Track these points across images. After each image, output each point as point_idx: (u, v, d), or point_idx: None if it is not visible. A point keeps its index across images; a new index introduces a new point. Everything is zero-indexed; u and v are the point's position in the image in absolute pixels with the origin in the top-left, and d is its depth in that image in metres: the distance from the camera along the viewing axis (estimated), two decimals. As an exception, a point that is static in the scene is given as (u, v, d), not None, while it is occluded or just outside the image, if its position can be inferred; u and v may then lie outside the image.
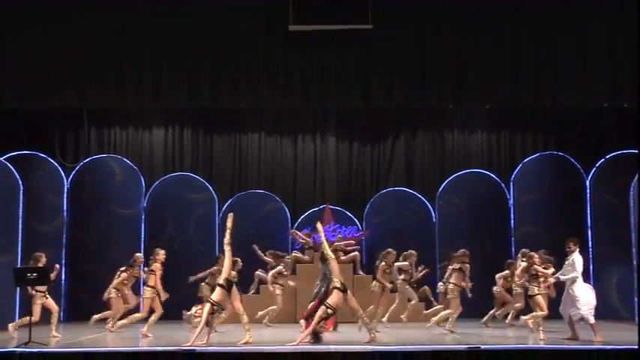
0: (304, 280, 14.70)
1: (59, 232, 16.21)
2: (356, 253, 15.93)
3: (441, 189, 17.30)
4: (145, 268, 13.13)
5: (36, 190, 15.48)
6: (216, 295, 10.99)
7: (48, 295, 12.26)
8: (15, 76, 13.77)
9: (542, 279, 11.87)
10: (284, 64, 13.96)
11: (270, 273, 14.47)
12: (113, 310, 13.38)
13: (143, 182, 17.14)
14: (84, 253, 16.41)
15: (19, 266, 12.59)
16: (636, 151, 15.43)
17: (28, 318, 11.71)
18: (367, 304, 13.14)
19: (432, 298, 15.14)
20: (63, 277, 16.00)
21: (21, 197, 14.62)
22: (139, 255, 13.75)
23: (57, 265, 12.81)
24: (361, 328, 11.84)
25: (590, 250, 16.04)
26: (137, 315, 12.95)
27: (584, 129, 17.61)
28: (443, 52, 14.02)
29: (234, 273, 12.19)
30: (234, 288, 11.33)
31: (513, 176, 17.17)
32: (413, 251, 14.03)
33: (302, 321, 12.31)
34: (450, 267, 13.39)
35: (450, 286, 13.11)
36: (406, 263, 13.83)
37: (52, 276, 12.31)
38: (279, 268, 14.51)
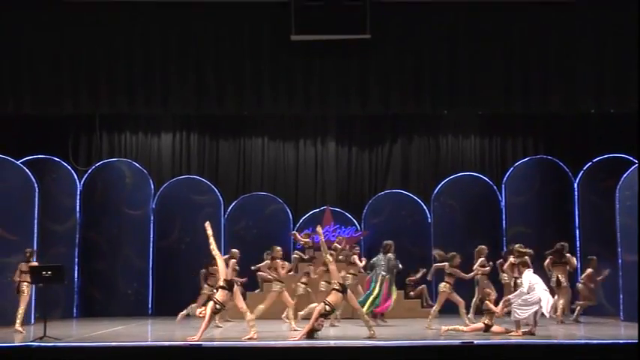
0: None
1: (72, 232, 16.53)
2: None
3: (436, 191, 17.59)
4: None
5: (50, 192, 15.70)
6: (220, 295, 11.16)
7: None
8: (32, 85, 13.94)
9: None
10: (286, 73, 14.11)
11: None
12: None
13: (152, 185, 17.46)
14: (96, 252, 16.75)
15: (35, 264, 12.68)
16: (621, 155, 16.09)
17: (22, 309, 12.53)
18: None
19: (428, 297, 15.60)
20: (76, 274, 16.47)
21: (36, 199, 14.76)
22: (279, 248, 13.39)
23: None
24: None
25: (578, 249, 16.47)
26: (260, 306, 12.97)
27: (572, 134, 17.99)
28: (437, 61, 14.16)
29: (233, 261, 12.49)
30: (236, 287, 11.45)
31: (505, 179, 17.51)
32: (483, 246, 13.86)
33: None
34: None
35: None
36: (482, 259, 13.64)
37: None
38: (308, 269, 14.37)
